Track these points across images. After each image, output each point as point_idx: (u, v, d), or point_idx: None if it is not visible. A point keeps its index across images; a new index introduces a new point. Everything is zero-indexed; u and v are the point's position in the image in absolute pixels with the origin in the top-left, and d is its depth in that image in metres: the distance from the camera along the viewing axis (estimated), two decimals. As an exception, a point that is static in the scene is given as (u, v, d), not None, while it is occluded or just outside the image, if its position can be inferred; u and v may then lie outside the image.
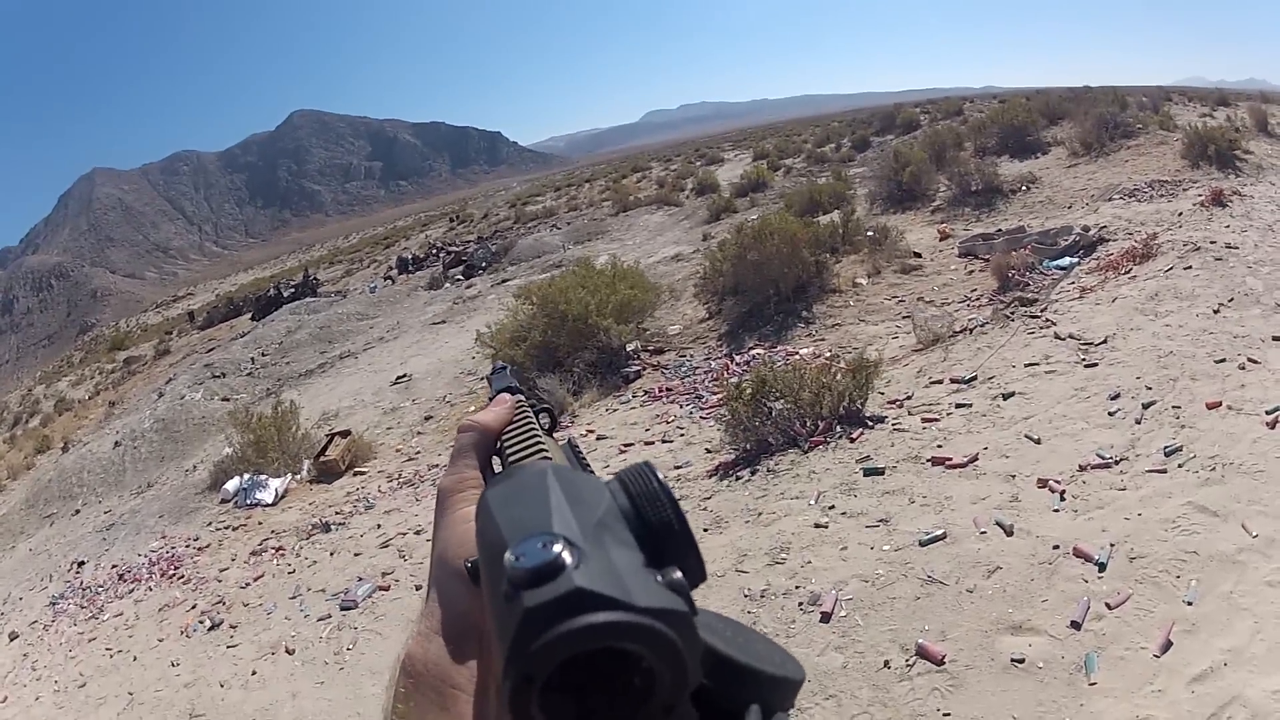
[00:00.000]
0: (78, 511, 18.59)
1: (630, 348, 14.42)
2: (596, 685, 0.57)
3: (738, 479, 8.56)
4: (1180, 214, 14.53)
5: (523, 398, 1.15)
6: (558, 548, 0.58)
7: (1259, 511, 5.83)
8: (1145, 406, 7.73)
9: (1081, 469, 6.91)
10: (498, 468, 1.01)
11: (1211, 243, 12.21)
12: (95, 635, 10.39)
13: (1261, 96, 34.80)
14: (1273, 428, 6.90)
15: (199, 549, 12.38)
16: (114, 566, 13.04)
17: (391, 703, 0.84)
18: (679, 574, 0.61)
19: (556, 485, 0.69)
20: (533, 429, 1.03)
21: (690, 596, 0.60)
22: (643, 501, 0.68)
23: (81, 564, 13.94)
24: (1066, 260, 13.29)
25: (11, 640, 11.49)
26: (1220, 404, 7.46)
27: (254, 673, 8.06)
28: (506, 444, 1.01)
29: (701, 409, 11.38)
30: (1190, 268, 11.28)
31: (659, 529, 0.66)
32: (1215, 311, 9.67)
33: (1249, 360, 8.27)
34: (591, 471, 0.94)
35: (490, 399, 1.16)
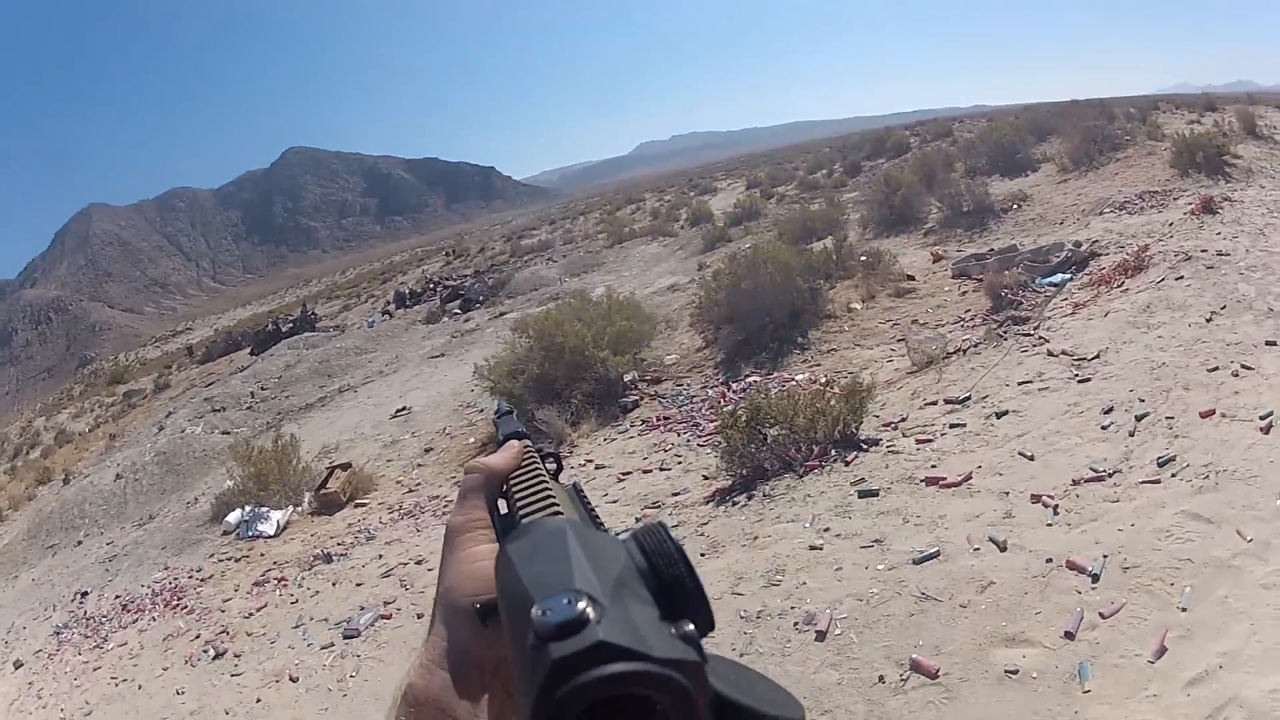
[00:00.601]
0: (80, 542, 18.60)
1: (627, 378, 14.43)
2: None
3: (734, 504, 8.58)
4: (1171, 224, 14.55)
5: (530, 443, 1.19)
6: (582, 604, 0.62)
7: (1254, 516, 5.85)
8: (1138, 419, 7.75)
9: (1075, 483, 6.94)
10: (503, 509, 1.05)
11: (1203, 251, 12.21)
12: (100, 664, 10.43)
13: (1249, 99, 34.86)
14: (1266, 433, 6.93)
15: (202, 580, 12.40)
16: (117, 597, 13.06)
17: None
18: (691, 626, 0.66)
19: (576, 543, 0.74)
20: (541, 476, 1.07)
21: (701, 647, 0.65)
22: (658, 559, 0.72)
23: (85, 594, 13.94)
24: (1059, 277, 13.32)
25: (16, 669, 11.51)
26: (1214, 412, 7.48)
27: (259, 700, 8.12)
28: (514, 489, 1.05)
29: (699, 437, 11.40)
30: (1182, 277, 11.30)
31: (673, 585, 0.71)
32: (1208, 320, 9.70)
33: (1242, 367, 8.30)
34: (596, 515, 1.01)
35: (500, 442, 1.20)
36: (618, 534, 0.78)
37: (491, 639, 0.88)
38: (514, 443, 1.16)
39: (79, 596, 13.93)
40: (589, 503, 1.05)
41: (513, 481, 1.07)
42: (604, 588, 0.66)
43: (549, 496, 0.99)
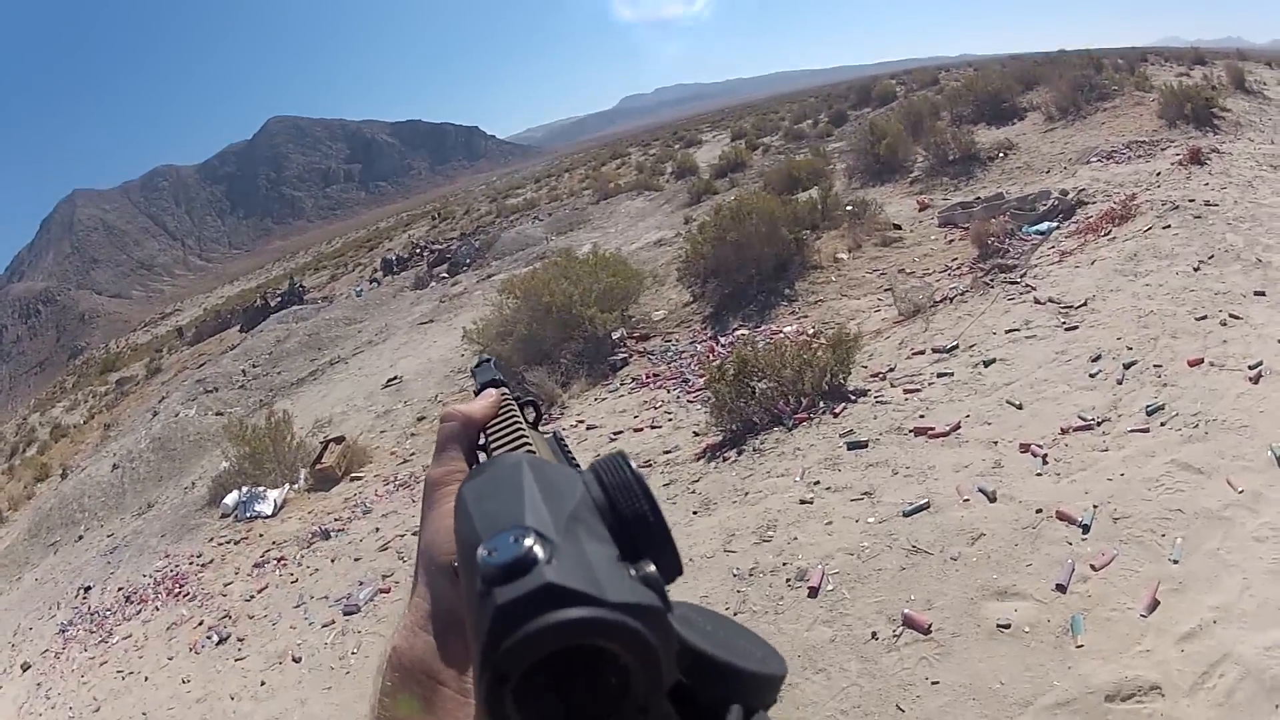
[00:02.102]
0: (80, 537, 18.64)
1: (616, 335, 14.40)
2: (575, 681, 0.56)
3: (725, 460, 8.59)
4: (1158, 174, 14.51)
5: (507, 391, 1.15)
6: (529, 541, 0.57)
7: (1244, 467, 5.84)
8: (1126, 367, 7.75)
9: (1063, 432, 6.94)
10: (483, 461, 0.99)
11: (1190, 201, 12.21)
12: (106, 659, 10.43)
13: (1238, 54, 34.80)
14: (1256, 382, 6.92)
15: (202, 565, 12.41)
16: (120, 589, 13.06)
17: (378, 695, 0.86)
18: (653, 568, 0.61)
19: (530, 477, 0.69)
20: (517, 423, 1.03)
21: (665, 591, 0.60)
22: (616, 493, 0.67)
23: (88, 589, 13.94)
24: (1045, 225, 13.31)
25: (24, 671, 11.52)
26: (1202, 361, 7.48)
27: (263, 683, 8.13)
28: (491, 439, 1.01)
29: (688, 393, 11.41)
30: (1169, 227, 11.29)
31: (633, 521, 0.66)
32: (1195, 269, 9.68)
33: (1230, 316, 8.28)
34: (576, 462, 0.96)
35: (476, 393, 1.15)
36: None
37: None
38: (490, 390, 1.12)
39: (82, 592, 13.96)
40: (571, 454, 1.02)
41: (489, 431, 1.03)
42: (556, 523, 0.61)
43: (524, 443, 0.96)
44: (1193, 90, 19.73)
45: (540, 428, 1.13)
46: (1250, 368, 7.14)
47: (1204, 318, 8.38)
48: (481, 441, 1.03)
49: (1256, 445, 6.04)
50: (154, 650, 10.02)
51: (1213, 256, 9.97)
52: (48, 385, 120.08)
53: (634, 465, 0.70)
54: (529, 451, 0.93)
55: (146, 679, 9.30)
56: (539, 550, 0.57)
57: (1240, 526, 5.29)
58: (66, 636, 12.02)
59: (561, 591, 0.54)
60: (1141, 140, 17.79)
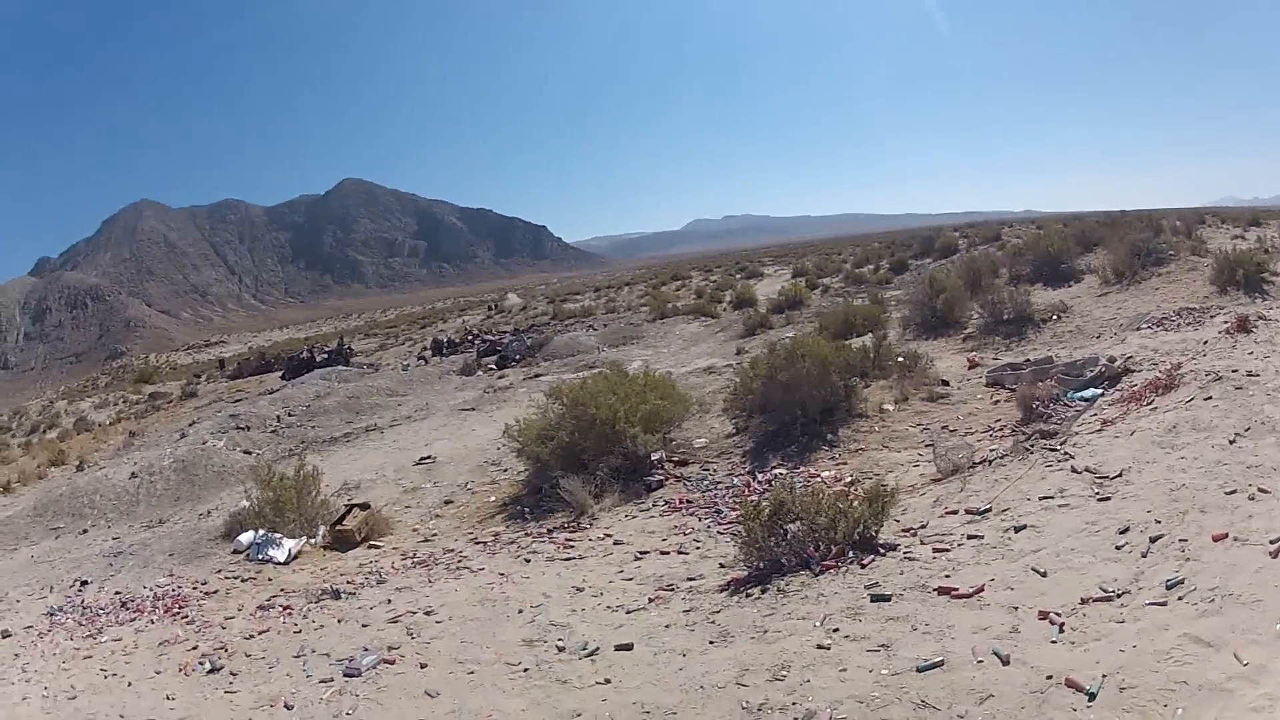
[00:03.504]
0: (85, 531, 18.86)
1: (655, 457, 14.54)
2: None
3: (748, 595, 8.68)
4: (1205, 342, 14.56)
5: None
6: None
7: (1251, 640, 5.85)
8: (1152, 540, 7.76)
9: (1083, 602, 6.96)
10: None
11: (1233, 371, 12.18)
12: (91, 654, 10.45)
13: (1294, 213, 34.92)
14: (1275, 557, 6.91)
15: (206, 593, 12.45)
16: (118, 593, 13.11)
17: None
18: None
19: None
20: None
21: None
22: None
23: (85, 583, 14.01)
24: (1090, 392, 13.36)
25: (4, 638, 11.50)
26: (1226, 535, 7.47)
27: (249, 720, 8.14)
28: None
29: (719, 524, 11.50)
30: (1210, 398, 11.27)
31: None
32: (1231, 442, 9.67)
33: (1259, 490, 8.27)
34: None
35: None
36: None
37: None
38: None
39: (79, 584, 14.00)
40: None
41: None
42: None
43: None
44: (1245, 256, 19.99)
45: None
46: (1271, 541, 7.12)
47: (1233, 492, 8.37)
48: None
49: (1267, 619, 6.05)
50: (142, 660, 10.04)
51: (1249, 429, 9.97)
52: (81, 377, 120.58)
53: None
54: None
55: (129, 685, 9.29)
56: None
57: (1239, 697, 5.31)
58: (54, 620, 12.06)
59: None
60: (1192, 307, 17.92)
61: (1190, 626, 6.20)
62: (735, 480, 13.37)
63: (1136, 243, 23.51)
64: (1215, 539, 7.49)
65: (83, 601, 12.95)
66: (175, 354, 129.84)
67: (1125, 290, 21.24)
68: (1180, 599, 6.67)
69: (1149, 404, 11.92)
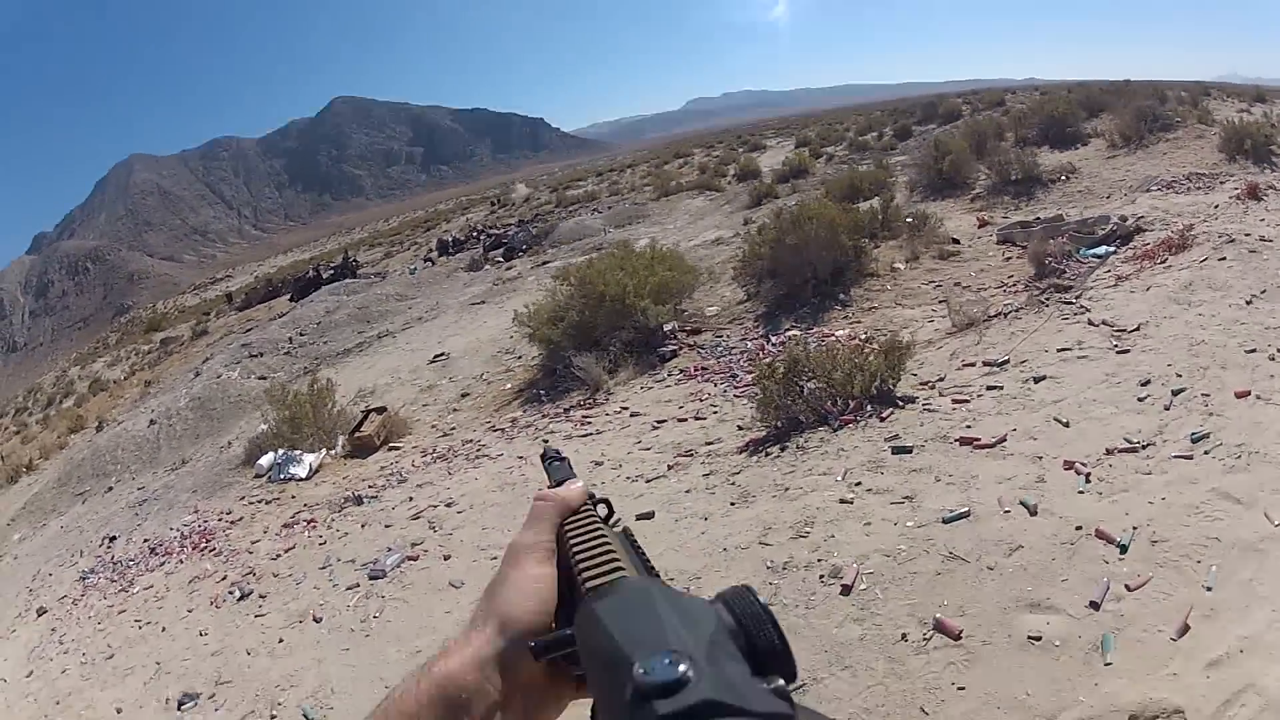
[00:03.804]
0: (110, 488, 18.87)
1: (667, 328, 14.43)
2: None
3: (768, 455, 8.63)
4: (1216, 206, 14.50)
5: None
6: (683, 666, 0.66)
7: (1282, 501, 5.82)
8: (1175, 393, 7.72)
9: (1108, 453, 6.92)
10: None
11: (1246, 235, 12.16)
12: (125, 608, 10.54)
13: (1299, 92, 34.52)
14: (1300, 419, 6.89)
15: (231, 522, 12.51)
16: (145, 540, 13.22)
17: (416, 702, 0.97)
18: (781, 682, 0.71)
19: (664, 603, 0.80)
20: (597, 523, 1.13)
21: (792, 700, 0.69)
22: (749, 622, 0.78)
23: (113, 539, 14.12)
24: (1103, 249, 13.26)
25: (40, 616, 11.66)
26: (1249, 393, 7.44)
27: (281, 640, 8.20)
28: (570, 532, 1.10)
29: (735, 388, 11.42)
30: (1224, 259, 11.25)
31: (765, 650, 0.77)
32: (1248, 303, 9.65)
33: (1279, 351, 8.26)
34: (648, 559, 1.06)
35: (553, 485, 1.24)
36: (708, 600, 0.83)
37: (536, 670, 0.97)
38: (577, 484, 1.20)
39: (107, 541, 14.15)
40: (640, 548, 1.10)
41: (569, 525, 1.12)
42: (698, 647, 0.71)
43: (605, 543, 1.05)
44: (1253, 127, 19.78)
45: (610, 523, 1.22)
46: (1295, 404, 7.09)
47: (1253, 351, 8.34)
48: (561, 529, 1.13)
49: (1296, 481, 6.02)
50: (174, 602, 10.14)
51: (1265, 291, 9.93)
52: (91, 341, 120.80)
53: (761, 598, 0.81)
54: (611, 551, 1.03)
55: (164, 630, 9.39)
56: (690, 671, 0.66)
57: (1275, 559, 5.27)
58: (87, 584, 12.19)
59: (717, 705, 0.63)
60: (1201, 172, 17.78)
61: (1219, 482, 6.18)
62: (749, 344, 13.28)
63: (1143, 107, 23.28)
64: (1238, 395, 7.47)
65: (112, 558, 13.07)
66: (182, 297, 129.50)
67: (1133, 154, 21.00)
68: (1206, 453, 6.64)
69: (1163, 262, 11.90)
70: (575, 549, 1.05)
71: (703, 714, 0.62)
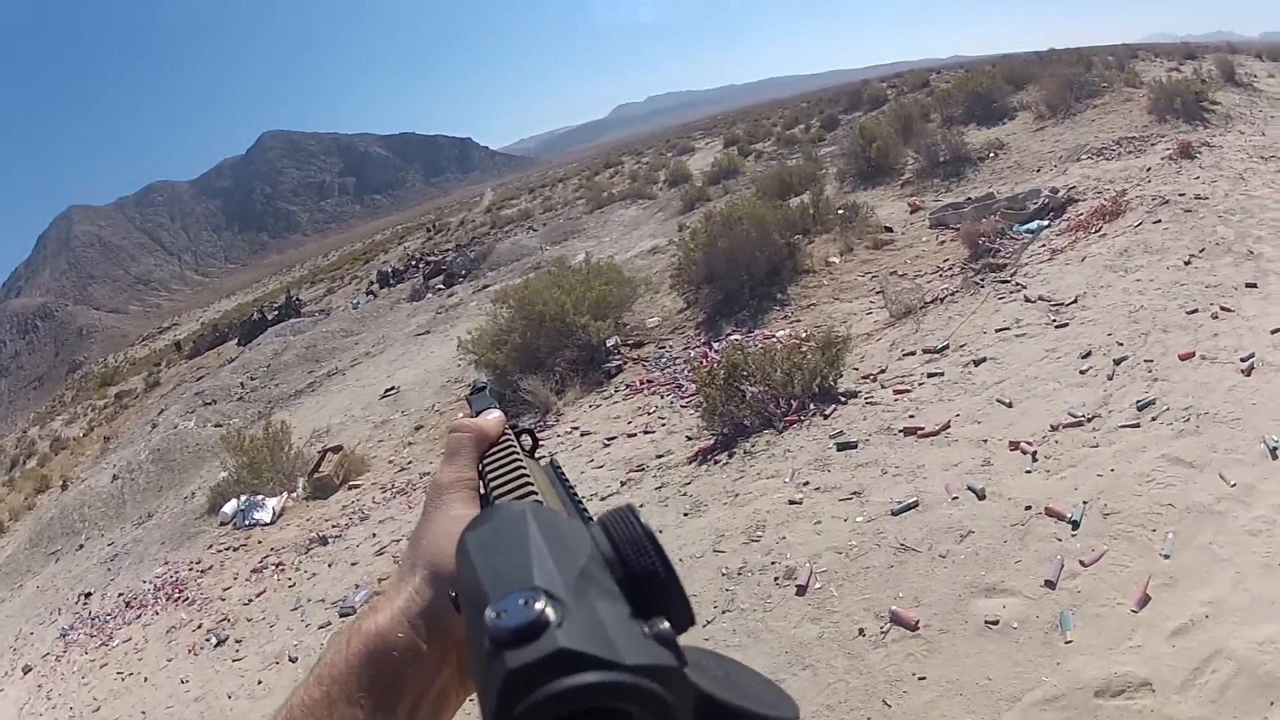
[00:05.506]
0: (81, 546, 18.67)
1: (610, 343, 14.40)
2: None
3: (716, 463, 8.59)
4: (1149, 169, 14.51)
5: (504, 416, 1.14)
6: (540, 605, 0.56)
7: (1236, 460, 5.83)
8: (1117, 362, 7.75)
9: (1053, 429, 6.94)
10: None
11: (1180, 195, 12.20)
12: (106, 661, 10.53)
13: (1229, 47, 34.81)
14: (1248, 375, 6.91)
15: (202, 571, 12.46)
16: (120, 595, 13.13)
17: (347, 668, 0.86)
18: (666, 624, 0.61)
19: (536, 529, 0.68)
20: (515, 453, 1.04)
21: (679, 647, 0.59)
22: (627, 548, 0.67)
23: (88, 595, 14.01)
24: (1036, 223, 13.29)
25: (26, 674, 11.62)
26: (1193, 355, 7.48)
27: (260, 682, 8.24)
28: (488, 466, 1.01)
29: (682, 398, 11.39)
30: (1159, 221, 11.29)
31: (645, 578, 0.65)
32: (1186, 263, 9.68)
33: (1221, 309, 8.28)
34: (575, 493, 0.96)
35: (475, 416, 1.15)
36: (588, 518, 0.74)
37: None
38: (494, 413, 1.12)
39: (83, 598, 14.02)
40: (568, 481, 1.00)
41: (486, 456, 1.04)
42: (566, 582, 0.60)
43: (521, 472, 0.96)
44: (1182, 84, 19.82)
45: (535, 455, 1.14)
46: (1242, 360, 7.13)
47: (1195, 311, 8.37)
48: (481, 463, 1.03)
49: (1249, 437, 6.03)
50: (153, 652, 10.12)
51: (1204, 250, 9.96)
52: (47, 399, 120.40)
53: (643, 519, 0.69)
54: (525, 478, 0.93)
55: (146, 679, 9.41)
56: (550, 612, 0.56)
57: (1233, 520, 5.27)
58: (67, 640, 12.10)
59: (575, 656, 0.53)
60: (1132, 136, 17.80)
61: (1168, 447, 6.20)
62: (692, 353, 13.27)
63: (1068, 75, 23.45)
64: (1182, 358, 7.51)
65: (90, 613, 12.99)
66: (132, 349, 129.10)
67: (1061, 124, 21.12)
68: (1154, 420, 6.67)
69: (1097, 231, 11.94)
70: (491, 481, 0.96)
71: (560, 667, 0.53)
